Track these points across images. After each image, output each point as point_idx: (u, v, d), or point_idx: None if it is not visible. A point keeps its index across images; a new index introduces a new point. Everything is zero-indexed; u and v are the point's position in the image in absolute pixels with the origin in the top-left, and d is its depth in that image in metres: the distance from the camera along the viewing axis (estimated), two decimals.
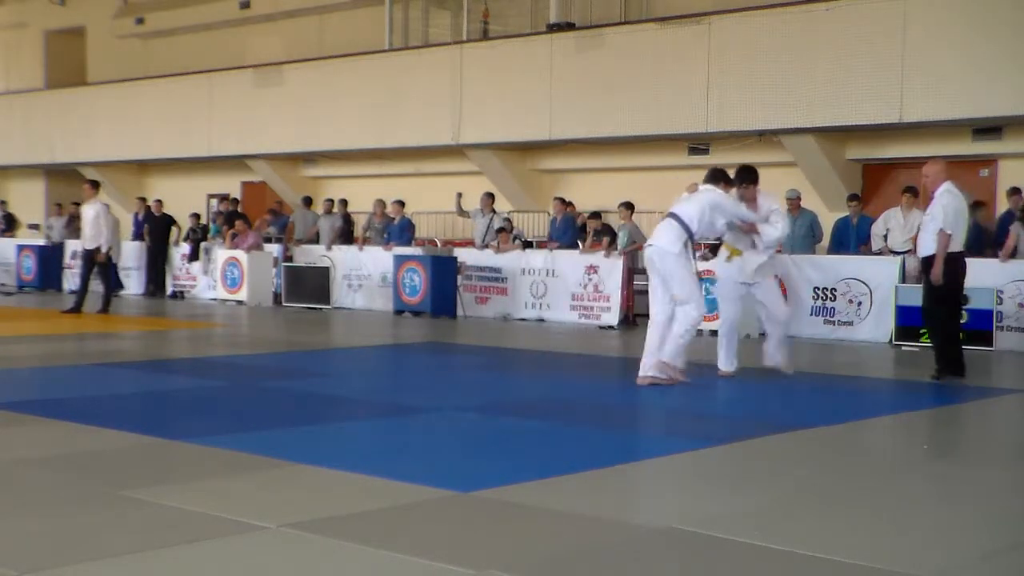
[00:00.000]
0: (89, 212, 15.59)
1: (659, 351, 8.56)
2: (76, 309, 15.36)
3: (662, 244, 8.60)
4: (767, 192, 9.42)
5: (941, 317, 9.15)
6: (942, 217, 8.90)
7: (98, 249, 15.36)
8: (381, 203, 17.99)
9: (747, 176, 9.16)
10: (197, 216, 20.94)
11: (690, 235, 8.63)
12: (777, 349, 9.30)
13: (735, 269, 9.25)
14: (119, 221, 20.46)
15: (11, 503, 4.56)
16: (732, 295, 9.32)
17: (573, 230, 16.36)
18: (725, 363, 9.23)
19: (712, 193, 8.81)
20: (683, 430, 6.98)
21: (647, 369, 8.55)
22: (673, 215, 8.69)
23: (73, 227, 21.89)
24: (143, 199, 21.98)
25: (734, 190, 9.04)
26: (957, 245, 9.03)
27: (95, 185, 16.23)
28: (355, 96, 19.83)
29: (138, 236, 20.79)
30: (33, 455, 5.53)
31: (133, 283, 20.48)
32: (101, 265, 15.64)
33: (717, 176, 9.00)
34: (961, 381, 8.98)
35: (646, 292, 16.01)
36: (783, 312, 9.41)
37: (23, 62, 28.23)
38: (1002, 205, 14.90)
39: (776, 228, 9.09)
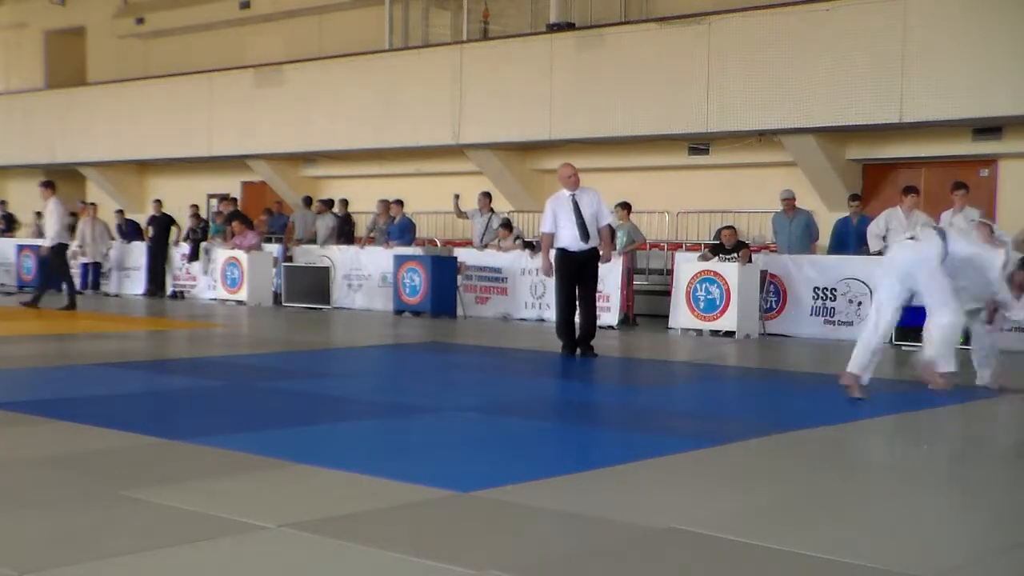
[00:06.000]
0: (46, 210, 16.30)
1: (875, 352, 7.94)
2: (65, 304, 15.77)
3: (919, 250, 7.82)
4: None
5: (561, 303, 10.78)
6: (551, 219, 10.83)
7: (57, 245, 15.96)
8: (385, 203, 17.95)
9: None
10: (196, 207, 20.75)
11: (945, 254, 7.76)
12: (993, 368, 8.60)
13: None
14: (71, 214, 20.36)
15: (11, 503, 4.56)
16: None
17: None
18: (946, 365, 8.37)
19: (992, 254, 7.78)
20: (683, 430, 6.97)
21: (855, 367, 7.91)
22: (942, 232, 7.92)
23: (39, 225, 21.98)
24: (89, 204, 22.10)
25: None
26: (560, 241, 10.75)
27: (49, 185, 16.45)
28: (355, 96, 19.84)
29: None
30: (33, 455, 5.52)
31: (132, 283, 20.50)
32: (53, 262, 16.11)
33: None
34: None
35: (646, 292, 16.23)
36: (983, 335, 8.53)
37: (23, 62, 28.25)
38: (1002, 205, 14.91)
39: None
